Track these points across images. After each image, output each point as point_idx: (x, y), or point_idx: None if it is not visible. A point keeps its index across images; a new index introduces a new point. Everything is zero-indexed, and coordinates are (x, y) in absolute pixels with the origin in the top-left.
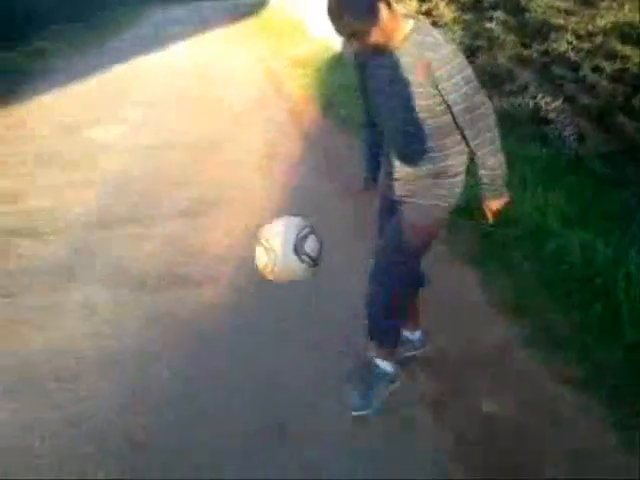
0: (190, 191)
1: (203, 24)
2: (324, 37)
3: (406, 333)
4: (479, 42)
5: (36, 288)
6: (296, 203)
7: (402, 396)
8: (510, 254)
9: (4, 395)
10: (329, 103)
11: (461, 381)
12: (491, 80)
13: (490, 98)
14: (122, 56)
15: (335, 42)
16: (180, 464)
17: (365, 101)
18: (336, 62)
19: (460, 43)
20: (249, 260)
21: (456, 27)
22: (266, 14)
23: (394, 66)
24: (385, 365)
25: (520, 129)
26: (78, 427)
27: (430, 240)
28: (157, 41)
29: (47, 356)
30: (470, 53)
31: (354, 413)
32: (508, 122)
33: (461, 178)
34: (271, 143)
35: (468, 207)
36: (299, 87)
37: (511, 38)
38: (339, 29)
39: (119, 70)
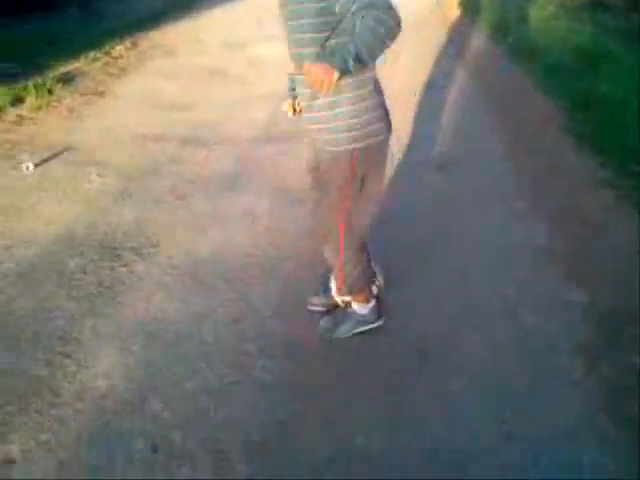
0: None
1: None
2: None
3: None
4: None
5: (205, 193)
6: (452, 138)
7: (556, 344)
8: None
9: (176, 286)
10: (497, 29)
11: (619, 334)
12: None
13: None
14: None
15: None
16: (328, 372)
17: None
18: None
19: None
20: (402, 177)
21: None
22: None
23: None
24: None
25: None
26: (241, 324)
27: None
28: None
29: (213, 257)
30: None
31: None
32: None
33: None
34: (433, 69)
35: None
36: (464, 10)
37: None
38: None
39: None
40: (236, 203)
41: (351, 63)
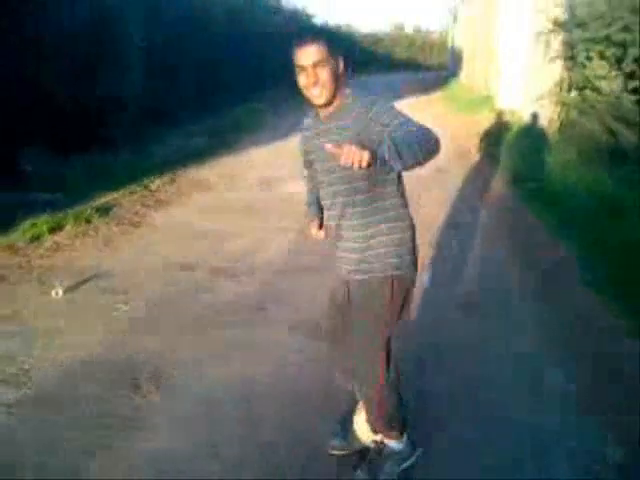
0: None
1: (394, 92)
2: (513, 109)
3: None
4: None
5: (231, 324)
6: (474, 278)
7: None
8: None
9: (190, 421)
10: (517, 175)
11: None
12: None
13: None
14: None
15: (524, 114)
16: None
17: None
18: (524, 133)
19: None
20: (426, 315)
21: None
22: (455, 85)
23: None
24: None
25: None
26: (251, 466)
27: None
28: None
29: (231, 391)
30: None
31: None
32: None
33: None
34: (453, 212)
35: None
36: (484, 157)
37: None
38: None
39: None
40: (262, 334)
41: (386, 150)
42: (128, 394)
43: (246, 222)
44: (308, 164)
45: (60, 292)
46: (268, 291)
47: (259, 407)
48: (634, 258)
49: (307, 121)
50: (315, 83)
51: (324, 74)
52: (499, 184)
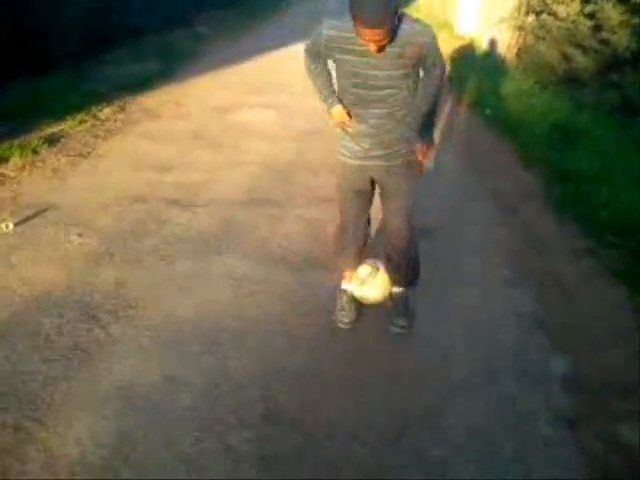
0: (328, 178)
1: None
2: (471, 34)
3: None
4: None
5: (187, 255)
6: (434, 206)
7: (537, 413)
8: None
9: (153, 350)
10: (474, 101)
11: (600, 405)
12: None
13: None
14: (272, 44)
15: (482, 40)
16: (311, 442)
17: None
18: (483, 59)
19: (627, 48)
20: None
21: (623, 31)
22: (413, 10)
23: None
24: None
25: None
26: (219, 390)
27: None
28: (305, 30)
29: (192, 320)
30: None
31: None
32: None
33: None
34: None
35: (616, 223)
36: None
37: None
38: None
39: (267, 57)
40: (218, 265)
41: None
42: (87, 326)
43: (199, 152)
44: (322, 58)
45: (10, 225)
46: (224, 222)
47: (222, 333)
48: (587, 181)
49: (343, 25)
50: (379, 49)
51: (387, 38)
52: (458, 110)
